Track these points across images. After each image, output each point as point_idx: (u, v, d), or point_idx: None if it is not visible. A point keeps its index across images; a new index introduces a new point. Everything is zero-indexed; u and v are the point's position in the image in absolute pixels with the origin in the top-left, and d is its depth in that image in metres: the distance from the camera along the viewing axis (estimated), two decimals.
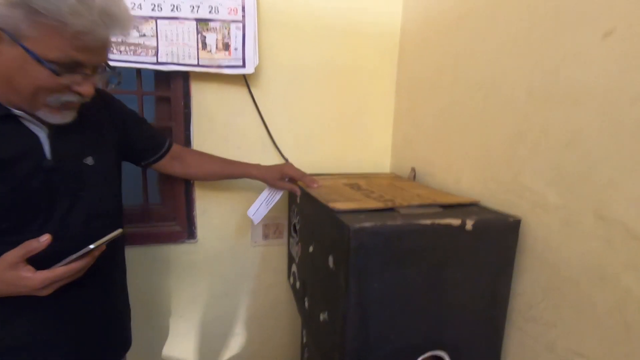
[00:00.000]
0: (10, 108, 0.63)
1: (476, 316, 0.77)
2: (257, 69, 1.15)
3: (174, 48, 1.08)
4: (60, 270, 0.61)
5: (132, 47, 1.06)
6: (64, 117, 0.67)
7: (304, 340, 1.09)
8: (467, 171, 0.96)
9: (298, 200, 1.11)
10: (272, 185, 1.07)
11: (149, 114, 1.22)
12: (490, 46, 0.86)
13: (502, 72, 0.82)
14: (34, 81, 0.59)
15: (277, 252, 1.37)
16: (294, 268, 1.21)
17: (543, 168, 0.72)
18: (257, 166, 1.07)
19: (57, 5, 0.54)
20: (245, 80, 1.19)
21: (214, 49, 1.10)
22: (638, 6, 0.54)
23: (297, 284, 1.14)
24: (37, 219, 0.66)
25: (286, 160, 1.27)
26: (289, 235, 1.31)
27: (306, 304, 1.00)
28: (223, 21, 1.09)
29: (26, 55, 0.57)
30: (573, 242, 0.66)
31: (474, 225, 0.72)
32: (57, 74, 0.59)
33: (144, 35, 1.06)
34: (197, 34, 1.09)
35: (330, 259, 0.76)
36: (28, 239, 0.61)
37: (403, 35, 1.31)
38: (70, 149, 0.70)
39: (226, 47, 1.11)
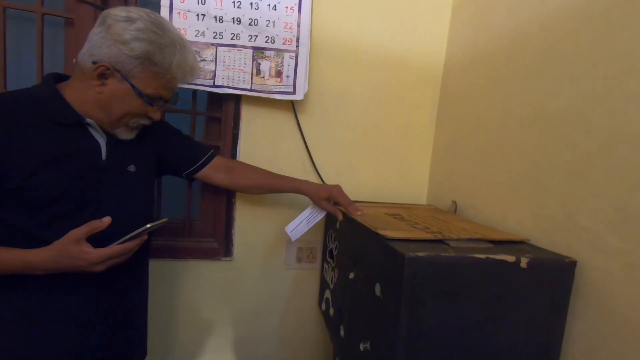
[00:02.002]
0: (84, 117, 0.75)
1: (528, 357, 0.73)
2: (304, 95, 1.19)
3: (230, 73, 1.14)
4: (116, 248, 0.72)
5: None
6: (131, 135, 0.84)
7: None
8: (514, 207, 0.94)
9: (338, 226, 1.11)
10: (317, 203, 1.05)
11: (199, 132, 1.28)
12: (546, 84, 0.86)
13: (559, 110, 0.82)
14: (127, 108, 0.77)
15: (309, 276, 1.36)
16: (327, 294, 1.20)
17: (604, 210, 0.70)
18: (306, 182, 1.08)
19: (170, 61, 0.75)
20: (292, 106, 1.24)
21: (267, 75, 1.16)
22: None
23: (331, 311, 1.12)
24: (87, 209, 0.76)
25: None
26: (323, 260, 1.31)
27: (342, 332, 0.98)
28: (278, 50, 1.15)
29: (130, 89, 0.74)
30: None
31: (528, 264, 0.70)
32: (151, 104, 0.79)
33: (204, 59, 1.13)
34: (253, 61, 1.15)
35: (378, 287, 0.75)
36: (76, 226, 0.70)
37: (446, 71, 1.34)
38: (119, 156, 0.82)
39: (278, 74, 1.17)
